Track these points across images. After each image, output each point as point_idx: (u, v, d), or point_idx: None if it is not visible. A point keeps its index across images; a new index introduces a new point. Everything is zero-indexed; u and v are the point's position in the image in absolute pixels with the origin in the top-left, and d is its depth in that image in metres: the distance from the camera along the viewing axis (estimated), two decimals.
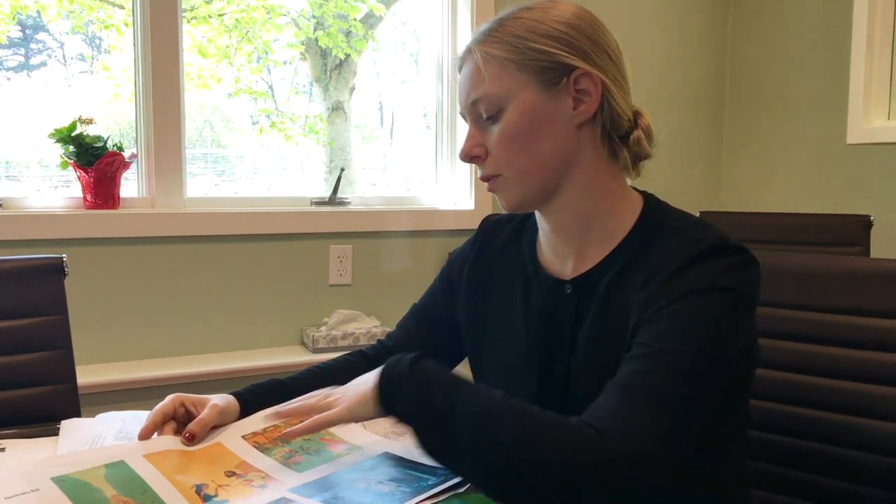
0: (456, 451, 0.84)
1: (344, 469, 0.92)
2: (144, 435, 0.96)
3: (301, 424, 0.91)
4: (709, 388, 0.83)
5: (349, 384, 0.94)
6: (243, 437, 0.97)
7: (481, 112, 0.95)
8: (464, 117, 1.00)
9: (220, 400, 1.02)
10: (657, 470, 0.77)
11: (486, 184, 1.00)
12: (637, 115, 0.98)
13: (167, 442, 0.94)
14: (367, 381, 0.91)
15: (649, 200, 1.00)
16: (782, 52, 2.89)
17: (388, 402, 0.88)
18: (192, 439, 0.95)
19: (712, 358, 0.83)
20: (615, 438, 0.77)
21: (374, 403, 0.89)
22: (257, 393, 1.06)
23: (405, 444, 1.00)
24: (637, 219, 0.97)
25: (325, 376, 1.11)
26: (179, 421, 1.00)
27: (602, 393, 0.83)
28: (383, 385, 0.89)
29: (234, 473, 0.89)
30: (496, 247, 1.11)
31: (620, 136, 0.97)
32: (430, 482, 0.87)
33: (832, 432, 1.15)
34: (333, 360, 1.17)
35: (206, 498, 0.84)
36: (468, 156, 0.98)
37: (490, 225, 1.15)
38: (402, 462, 0.94)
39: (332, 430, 1.01)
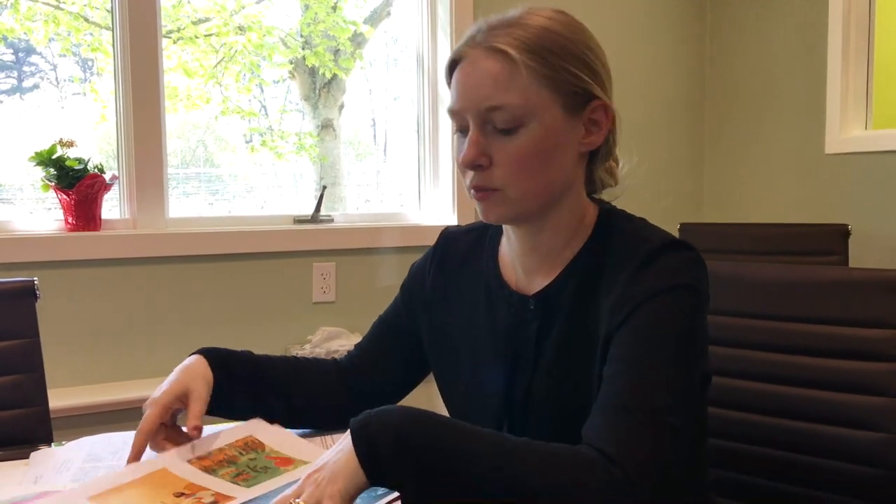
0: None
1: (293, 481, 0.91)
2: (132, 459, 0.97)
3: None
4: (689, 393, 0.85)
5: (322, 463, 0.80)
6: (189, 461, 0.96)
7: (495, 120, 0.90)
8: (457, 116, 0.93)
9: (196, 385, 1.03)
10: (670, 490, 0.78)
11: (473, 192, 0.94)
12: None
13: (111, 480, 0.92)
14: (342, 452, 0.78)
15: (602, 207, 1.00)
16: (760, 65, 2.92)
17: (377, 472, 0.77)
18: (200, 430, 0.99)
19: (686, 359, 0.85)
20: (638, 473, 0.76)
21: (363, 472, 0.77)
22: (225, 357, 1.08)
23: None
24: (593, 227, 0.98)
25: (298, 367, 1.15)
26: (168, 426, 1.02)
27: (599, 414, 0.83)
28: (364, 457, 0.76)
29: (182, 493, 0.89)
30: (456, 259, 1.10)
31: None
32: (378, 492, 0.87)
33: (807, 441, 1.16)
34: (309, 357, 1.19)
35: None
36: (473, 164, 0.91)
37: (449, 236, 1.14)
38: None
39: (278, 447, 1.01)
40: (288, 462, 0.99)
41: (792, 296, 1.20)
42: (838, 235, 2.18)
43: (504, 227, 1.04)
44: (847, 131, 2.63)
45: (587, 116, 0.93)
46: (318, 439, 1.06)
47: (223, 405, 1.07)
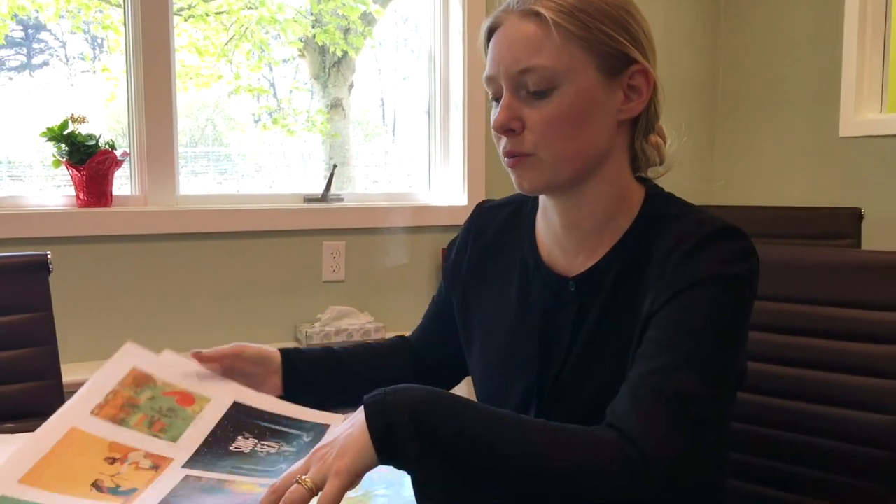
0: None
1: (217, 429, 0.92)
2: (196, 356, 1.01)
3: None
4: (721, 387, 0.82)
5: (332, 438, 0.78)
6: (91, 413, 0.91)
7: (527, 83, 0.88)
8: (492, 82, 0.92)
9: (247, 348, 1.05)
10: (688, 479, 0.77)
11: (506, 159, 0.92)
12: None
13: (30, 453, 0.85)
14: (354, 427, 0.77)
15: (649, 188, 0.97)
16: (775, 46, 2.89)
17: (389, 451, 0.75)
18: (198, 356, 1.00)
19: (725, 352, 0.83)
20: (656, 458, 0.75)
21: (373, 449, 0.75)
22: (305, 359, 1.08)
23: (249, 391, 1.00)
24: (640, 208, 0.94)
25: (376, 355, 1.15)
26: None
27: (626, 394, 0.81)
28: (377, 434, 0.75)
29: (114, 459, 0.85)
30: (490, 233, 1.07)
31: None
32: (304, 439, 0.89)
33: (818, 423, 1.15)
34: (382, 341, 1.19)
35: (113, 491, 0.80)
36: (504, 127, 0.89)
37: (484, 210, 1.11)
38: (257, 414, 0.95)
39: (169, 380, 0.98)
40: (189, 399, 0.96)
41: (804, 278, 1.19)
42: (852, 218, 2.16)
43: (541, 202, 1.01)
44: (862, 114, 2.60)
45: (626, 82, 0.90)
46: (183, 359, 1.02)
47: (301, 386, 1.07)
